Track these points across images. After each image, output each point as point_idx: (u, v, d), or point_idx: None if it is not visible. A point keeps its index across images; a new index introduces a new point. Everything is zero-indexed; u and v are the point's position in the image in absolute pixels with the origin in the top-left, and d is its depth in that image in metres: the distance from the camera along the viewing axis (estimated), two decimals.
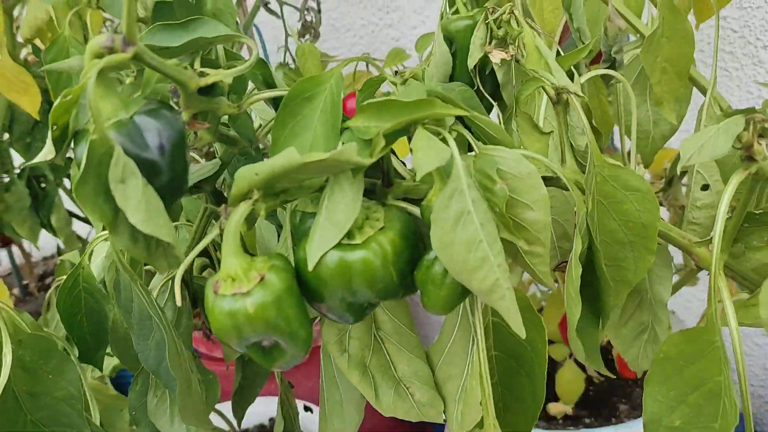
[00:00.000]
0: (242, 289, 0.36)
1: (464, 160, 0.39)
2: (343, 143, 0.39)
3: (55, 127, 0.34)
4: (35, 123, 1.15)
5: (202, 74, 0.38)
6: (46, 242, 1.44)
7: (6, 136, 1.19)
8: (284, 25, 1.01)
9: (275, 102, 0.46)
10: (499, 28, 0.50)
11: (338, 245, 0.38)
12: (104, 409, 0.72)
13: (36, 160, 0.34)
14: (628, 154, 0.53)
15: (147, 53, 0.34)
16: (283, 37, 1.01)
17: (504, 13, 0.48)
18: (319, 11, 1.05)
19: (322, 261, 0.37)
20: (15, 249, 1.62)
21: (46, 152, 0.35)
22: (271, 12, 1.03)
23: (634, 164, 0.49)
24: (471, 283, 0.36)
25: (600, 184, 0.44)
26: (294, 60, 1.01)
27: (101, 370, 0.63)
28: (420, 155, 0.34)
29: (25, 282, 1.65)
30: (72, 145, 0.35)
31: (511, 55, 0.48)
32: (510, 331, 0.43)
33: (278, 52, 1.01)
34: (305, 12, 1.03)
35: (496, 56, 0.49)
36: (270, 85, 0.45)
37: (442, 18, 0.71)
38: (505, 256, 0.36)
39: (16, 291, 1.64)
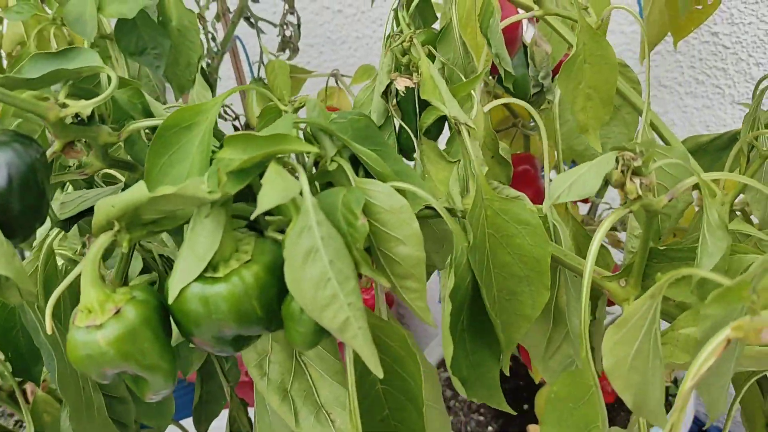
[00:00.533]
0: (96, 322, 0.36)
1: (333, 195, 0.38)
2: (207, 175, 0.38)
3: None
4: None
5: (63, 105, 0.39)
6: None
7: None
8: (259, 40, 1.01)
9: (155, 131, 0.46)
10: (403, 55, 0.49)
11: (201, 278, 0.37)
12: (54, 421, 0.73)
13: None
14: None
15: None
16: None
17: (404, 41, 0.47)
18: (299, 26, 1.05)
19: (183, 294, 0.37)
20: None
21: None
22: (251, 24, 1.03)
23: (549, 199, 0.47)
24: (322, 320, 0.35)
25: (491, 217, 0.42)
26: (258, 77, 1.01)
27: (38, 384, 0.64)
28: (265, 189, 0.34)
29: None
30: None
31: (415, 83, 0.47)
32: (392, 365, 0.42)
33: (252, 67, 1.02)
34: (284, 27, 1.04)
35: (401, 83, 0.48)
36: (149, 114, 0.45)
37: (387, 39, 0.71)
38: (360, 294, 0.35)
39: None
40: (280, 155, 0.36)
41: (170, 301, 0.37)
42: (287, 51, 1.04)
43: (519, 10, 0.61)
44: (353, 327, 0.35)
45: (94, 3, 0.80)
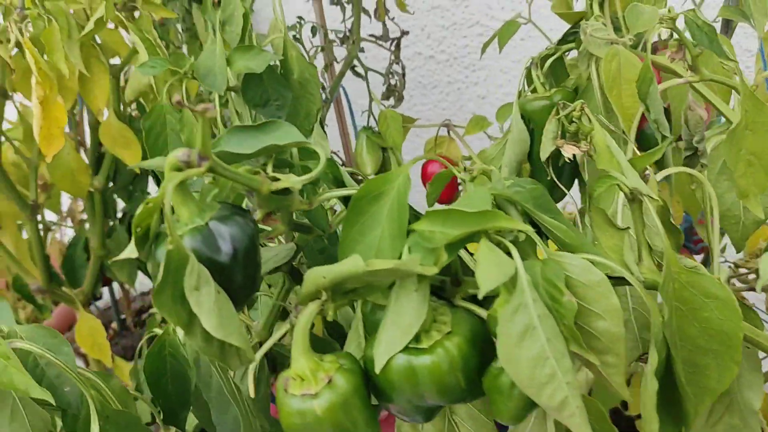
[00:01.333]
0: (310, 391, 0.37)
1: (531, 268, 0.39)
2: (409, 247, 0.39)
3: (138, 229, 0.37)
4: (136, 174, 1.23)
5: (274, 179, 0.40)
6: (144, 278, 1.53)
7: (110, 184, 1.28)
8: (368, 89, 1.04)
9: (345, 200, 0.47)
10: (570, 123, 0.50)
11: (405, 349, 0.38)
12: None
13: (121, 256, 0.37)
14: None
15: (220, 166, 0.37)
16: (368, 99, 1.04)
17: (575, 109, 0.48)
18: (404, 75, 1.07)
19: (389, 364, 0.38)
20: (114, 284, 1.72)
21: (129, 251, 0.37)
22: (358, 74, 1.06)
23: (717, 264, 0.47)
24: (540, 398, 0.35)
25: (678, 290, 0.42)
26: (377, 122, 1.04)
27: (184, 430, 0.66)
28: (483, 270, 0.35)
29: (122, 316, 1.74)
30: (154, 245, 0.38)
31: (584, 151, 0.48)
32: None
33: (362, 115, 1.04)
34: (390, 76, 1.06)
35: (568, 151, 0.48)
36: (340, 183, 0.47)
37: (519, 96, 0.72)
38: (574, 371, 0.36)
39: (114, 325, 1.73)
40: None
41: (377, 371, 0.38)
42: (392, 99, 1.07)
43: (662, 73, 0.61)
44: (571, 406, 0.35)
45: (224, 58, 0.83)
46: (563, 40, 0.69)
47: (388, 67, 1.07)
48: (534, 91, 0.69)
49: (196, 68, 0.83)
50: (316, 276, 0.38)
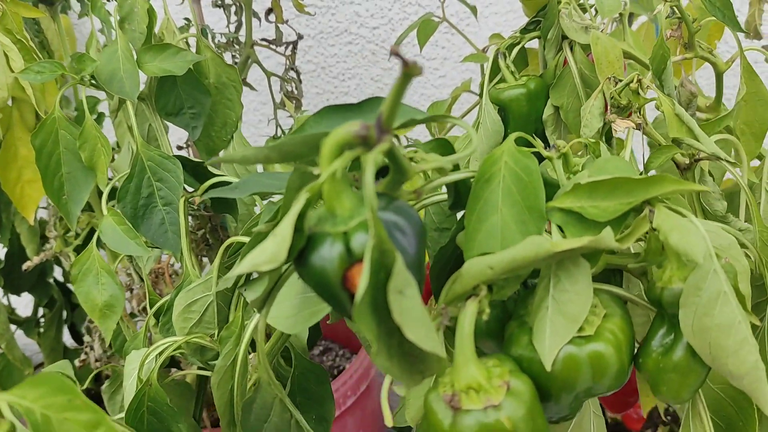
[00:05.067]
0: (492, 402, 0.32)
1: None
2: (559, 225, 0.36)
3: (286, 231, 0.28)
4: None
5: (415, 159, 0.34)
6: None
7: None
8: (272, 96, 0.96)
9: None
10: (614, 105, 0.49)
11: (570, 340, 0.34)
12: None
13: (262, 266, 0.28)
14: None
15: (398, 148, 0.30)
16: (270, 108, 0.96)
17: (632, 81, 0.48)
18: (300, 81, 1.01)
19: (557, 359, 0.34)
20: None
21: (270, 258, 0.28)
22: (248, 85, 0.97)
23: None
24: (726, 367, 0.34)
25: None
26: (283, 132, 0.96)
27: None
28: (681, 239, 0.32)
29: None
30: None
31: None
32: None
33: (269, 124, 0.96)
34: (286, 82, 0.99)
35: (621, 125, 0.48)
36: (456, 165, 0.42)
37: (481, 88, 0.71)
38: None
39: None
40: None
41: (547, 367, 0.34)
42: (294, 104, 1.00)
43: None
44: (759, 370, 0.34)
45: (132, 60, 0.71)
46: (526, 29, 0.69)
47: (284, 73, 1.00)
48: (501, 81, 0.68)
49: (97, 73, 0.70)
50: (480, 268, 0.33)
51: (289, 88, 1.01)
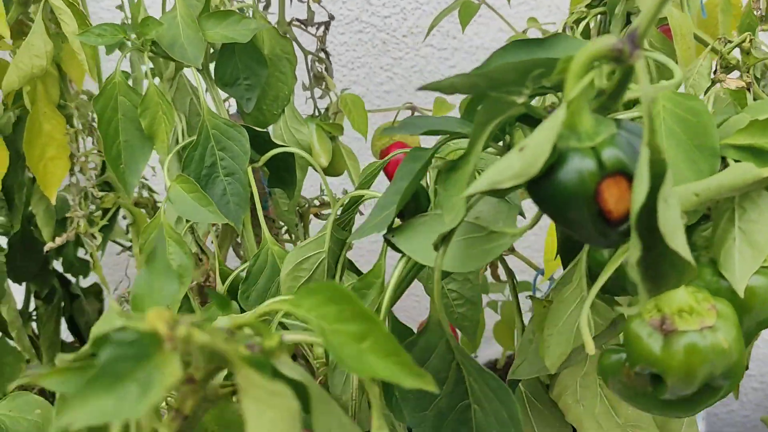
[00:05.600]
0: (707, 323, 0.32)
1: None
2: (735, 160, 0.37)
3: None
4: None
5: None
6: None
7: None
8: (310, 75, 0.95)
9: None
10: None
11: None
12: None
13: (511, 182, 0.28)
14: None
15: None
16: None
17: (744, 41, 0.50)
18: (330, 62, 1.01)
19: (747, 289, 0.35)
20: None
21: (524, 170, 0.28)
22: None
23: None
24: None
25: None
26: (319, 111, 0.95)
27: None
28: None
29: None
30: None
31: (747, 83, 0.50)
32: None
33: (306, 102, 0.95)
34: (319, 62, 0.99)
35: (731, 84, 0.50)
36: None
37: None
38: None
39: None
40: None
41: (741, 293, 0.35)
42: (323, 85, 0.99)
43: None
44: None
45: (194, 25, 0.70)
46: (591, 5, 0.71)
47: (315, 53, 0.99)
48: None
49: (159, 38, 0.68)
50: (686, 194, 0.33)
51: (320, 68, 1.00)
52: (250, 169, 0.69)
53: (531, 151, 0.29)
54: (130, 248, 1.12)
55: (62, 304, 1.26)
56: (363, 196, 0.53)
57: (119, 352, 0.19)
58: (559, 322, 0.46)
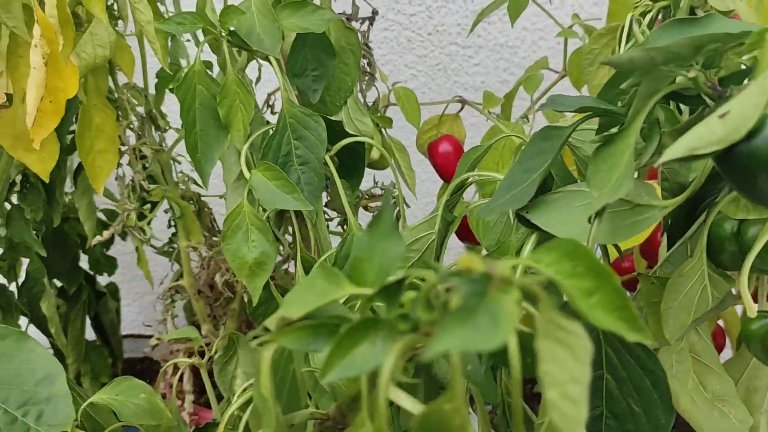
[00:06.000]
0: None
1: None
2: None
3: None
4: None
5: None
6: None
7: None
8: (360, 68, 0.96)
9: None
10: None
11: None
12: None
13: (711, 148, 0.30)
14: None
15: None
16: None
17: None
18: (372, 56, 1.02)
19: None
20: None
21: (726, 135, 0.30)
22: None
23: None
24: None
25: None
26: (367, 105, 0.96)
27: None
28: None
29: None
30: None
31: None
32: None
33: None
34: (363, 57, 1.00)
35: None
36: None
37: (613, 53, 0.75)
38: None
39: None
40: None
41: None
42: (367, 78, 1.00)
43: None
44: None
45: (270, 15, 0.70)
46: None
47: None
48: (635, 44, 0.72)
49: (238, 27, 0.69)
50: None
51: (364, 62, 1.01)
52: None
53: (735, 117, 0.30)
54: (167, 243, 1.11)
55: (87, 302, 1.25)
56: (467, 179, 0.55)
57: (467, 288, 0.20)
58: (679, 296, 0.48)
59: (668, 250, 0.50)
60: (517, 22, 1.34)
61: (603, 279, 0.28)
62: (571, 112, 0.42)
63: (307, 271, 0.69)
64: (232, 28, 0.69)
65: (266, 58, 0.73)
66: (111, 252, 1.25)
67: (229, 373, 0.80)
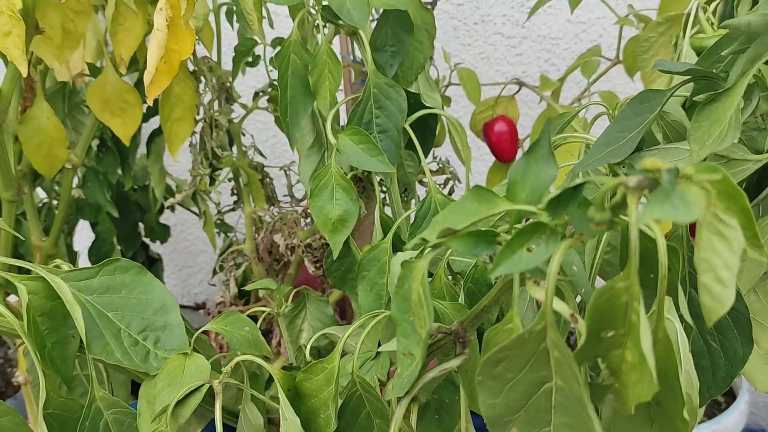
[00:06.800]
0: None
1: None
2: None
3: None
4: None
5: None
6: None
7: None
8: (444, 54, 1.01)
9: None
10: None
11: None
12: None
13: None
14: None
15: None
16: None
17: None
18: None
19: None
20: None
21: None
22: None
23: None
24: None
25: None
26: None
27: None
28: None
29: None
30: None
31: None
32: None
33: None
34: None
35: None
36: None
37: (675, 42, 0.80)
38: None
39: None
40: None
41: None
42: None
43: None
44: None
45: None
46: None
47: None
48: (699, 32, 0.77)
49: (331, 1, 0.74)
50: None
51: None
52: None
53: None
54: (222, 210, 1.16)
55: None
56: (555, 140, 0.60)
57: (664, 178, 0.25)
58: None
59: None
60: (561, 15, 1.39)
61: (734, 199, 0.33)
62: (677, 74, 0.47)
63: (384, 230, 0.74)
64: (324, 3, 0.74)
65: (352, 33, 0.78)
66: None
67: (297, 327, 0.85)
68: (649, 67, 0.92)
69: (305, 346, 0.80)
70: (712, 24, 0.77)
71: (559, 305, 0.33)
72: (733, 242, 0.28)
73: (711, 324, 0.29)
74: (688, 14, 0.78)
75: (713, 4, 0.78)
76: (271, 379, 0.72)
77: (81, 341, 0.55)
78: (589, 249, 0.51)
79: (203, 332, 0.59)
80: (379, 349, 0.51)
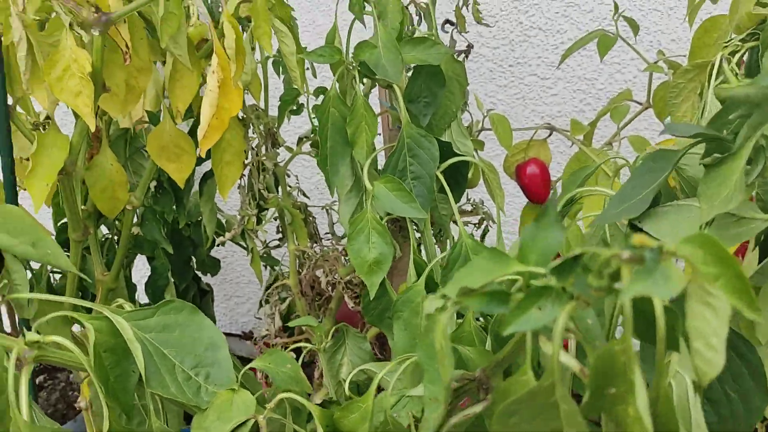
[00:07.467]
0: None
1: None
2: None
3: None
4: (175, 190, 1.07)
5: None
6: None
7: None
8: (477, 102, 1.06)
9: None
10: None
11: None
12: None
13: None
14: None
15: None
16: None
17: None
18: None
19: None
20: None
21: None
22: None
23: None
24: None
25: None
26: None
27: None
28: None
29: None
30: None
31: None
32: None
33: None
34: None
35: None
36: None
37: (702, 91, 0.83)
38: None
39: None
40: None
41: None
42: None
43: None
44: None
45: (394, 49, 0.81)
46: (744, 39, 0.81)
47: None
48: (723, 82, 0.80)
49: (367, 59, 0.80)
50: None
51: None
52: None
53: None
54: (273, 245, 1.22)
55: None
56: (577, 194, 0.64)
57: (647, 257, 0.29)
58: None
59: (759, 262, 0.57)
60: (593, 56, 1.42)
61: (727, 266, 0.36)
62: (686, 138, 0.50)
63: (418, 272, 0.79)
64: (362, 59, 0.80)
65: (388, 86, 0.83)
66: None
67: (337, 362, 0.89)
68: (679, 112, 0.95)
69: (345, 381, 0.85)
70: (737, 75, 0.80)
71: (567, 360, 0.37)
72: (719, 311, 0.32)
73: (705, 385, 0.32)
74: (713, 64, 0.81)
75: (737, 55, 0.81)
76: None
77: (140, 375, 0.60)
78: (608, 304, 0.54)
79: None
80: (408, 394, 0.55)
